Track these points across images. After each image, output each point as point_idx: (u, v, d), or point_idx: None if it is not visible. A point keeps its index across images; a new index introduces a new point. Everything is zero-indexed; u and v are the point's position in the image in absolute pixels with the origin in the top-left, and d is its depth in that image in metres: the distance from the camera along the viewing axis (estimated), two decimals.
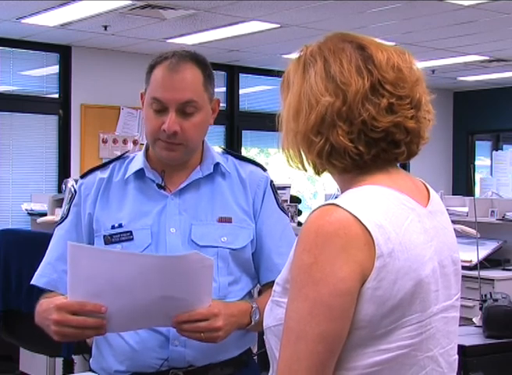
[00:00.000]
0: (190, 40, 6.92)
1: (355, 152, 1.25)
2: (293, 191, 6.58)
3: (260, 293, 1.97)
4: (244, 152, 8.74)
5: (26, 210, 6.63)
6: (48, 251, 1.93)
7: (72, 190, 1.96)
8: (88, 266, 1.58)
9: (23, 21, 6.23)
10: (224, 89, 8.46)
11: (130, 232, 1.84)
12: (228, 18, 6.11)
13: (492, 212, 5.65)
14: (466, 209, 5.71)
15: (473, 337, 3.05)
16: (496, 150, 9.97)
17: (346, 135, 1.24)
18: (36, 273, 1.91)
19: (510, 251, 5.48)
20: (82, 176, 1.95)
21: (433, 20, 6.15)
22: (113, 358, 1.84)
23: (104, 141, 7.55)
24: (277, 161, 9.12)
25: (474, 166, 10.09)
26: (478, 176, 8.91)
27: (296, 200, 6.25)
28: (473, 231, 4.65)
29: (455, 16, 6.00)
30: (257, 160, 2.02)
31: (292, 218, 5.63)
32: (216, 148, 1.99)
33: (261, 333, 1.42)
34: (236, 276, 1.87)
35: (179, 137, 1.81)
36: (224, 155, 1.97)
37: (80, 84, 7.41)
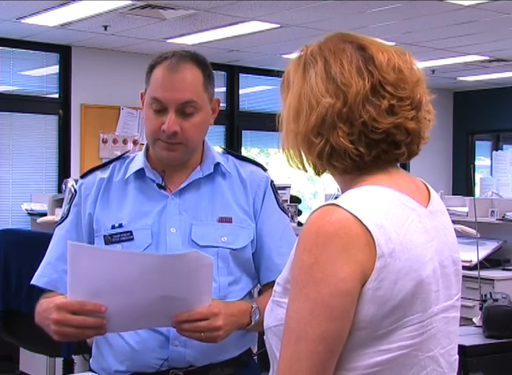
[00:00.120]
0: (190, 40, 6.92)
1: (355, 154, 1.25)
2: (293, 191, 6.58)
3: (260, 293, 1.97)
4: (244, 152, 8.74)
5: (26, 210, 6.63)
6: (48, 251, 1.93)
7: (73, 190, 1.96)
8: (88, 265, 1.58)
9: (23, 21, 6.23)
10: (224, 89, 8.46)
11: (130, 232, 1.84)
12: (228, 18, 6.11)
13: (492, 212, 5.65)
14: (466, 209, 5.71)
15: (473, 337, 3.05)
16: (496, 150, 9.97)
17: (347, 136, 1.24)
18: (36, 273, 1.90)
19: (510, 251, 5.48)
20: (82, 176, 1.95)
21: (433, 20, 6.15)
22: (113, 358, 1.84)
23: (104, 141, 7.55)
24: (277, 161, 9.12)
25: (474, 166, 10.09)
26: (478, 176, 8.91)
27: (296, 200, 6.25)
28: (473, 231, 4.65)
29: (455, 16, 6.00)
30: (258, 160, 2.02)
31: (292, 218, 5.63)
32: (217, 148, 1.99)
33: (261, 333, 1.42)
34: (237, 277, 1.87)
35: (179, 137, 1.80)
36: (224, 155, 1.97)
37: (80, 84, 7.41)
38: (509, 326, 3.02)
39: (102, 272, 1.59)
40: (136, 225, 1.84)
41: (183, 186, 1.87)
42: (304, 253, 1.18)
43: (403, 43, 6.73)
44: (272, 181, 1.96)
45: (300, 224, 5.74)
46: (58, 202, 5.37)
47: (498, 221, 5.58)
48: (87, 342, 1.95)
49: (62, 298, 1.66)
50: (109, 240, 1.84)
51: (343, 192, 1.30)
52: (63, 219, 1.94)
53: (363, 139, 1.24)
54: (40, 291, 1.87)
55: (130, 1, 5.59)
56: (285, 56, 7.40)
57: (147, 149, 1.93)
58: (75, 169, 7.29)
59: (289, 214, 5.10)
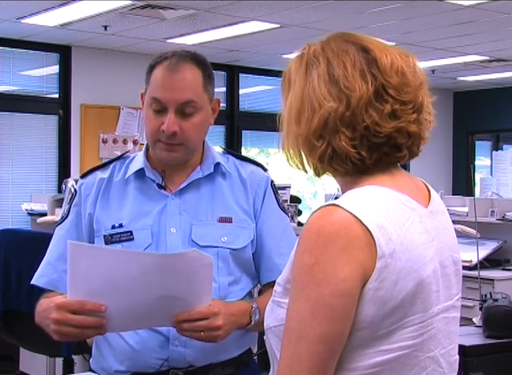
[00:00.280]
0: (190, 40, 6.92)
1: (357, 158, 1.24)
2: (293, 191, 6.58)
3: (260, 293, 1.97)
4: (244, 152, 8.74)
5: (26, 210, 6.63)
6: (48, 251, 1.92)
7: (73, 190, 1.96)
8: (88, 264, 1.58)
9: (23, 21, 6.23)
10: (224, 89, 8.46)
11: (130, 232, 1.84)
12: (228, 18, 6.11)
13: (492, 212, 5.65)
14: (466, 209, 5.70)
15: (473, 337, 3.05)
16: (496, 150, 9.97)
17: (349, 141, 1.23)
18: (36, 273, 1.90)
19: (510, 251, 5.48)
20: (82, 176, 1.95)
21: (433, 20, 6.15)
22: (113, 358, 1.84)
23: (104, 141, 7.55)
24: (277, 161, 9.12)
25: (474, 166, 10.09)
26: (478, 176, 8.91)
27: (296, 200, 6.25)
28: (473, 231, 4.65)
29: (455, 16, 6.00)
30: (258, 160, 2.01)
31: (292, 218, 5.63)
32: (217, 148, 1.99)
33: (261, 333, 1.42)
34: (237, 277, 1.87)
35: (179, 137, 1.80)
36: (225, 155, 1.97)
37: (80, 84, 7.41)
38: (509, 326, 3.02)
39: (102, 271, 1.59)
40: (136, 225, 1.84)
41: (183, 186, 1.87)
42: (305, 253, 1.18)
43: (403, 43, 6.73)
44: (272, 181, 1.96)
45: (300, 224, 5.74)
46: (58, 202, 5.37)
47: (498, 221, 5.58)
48: (87, 342, 1.95)
49: (62, 298, 1.66)
50: (109, 240, 1.84)
51: (343, 192, 1.30)
52: (63, 219, 1.94)
53: (365, 143, 1.24)
54: (40, 291, 1.87)
55: (130, 1, 5.59)
56: (285, 56, 7.40)
57: (147, 149, 1.93)
58: (75, 169, 7.29)
59: (289, 214, 5.10)
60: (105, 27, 6.44)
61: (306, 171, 1.33)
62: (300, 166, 1.32)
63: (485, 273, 4.73)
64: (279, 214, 1.93)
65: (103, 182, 1.90)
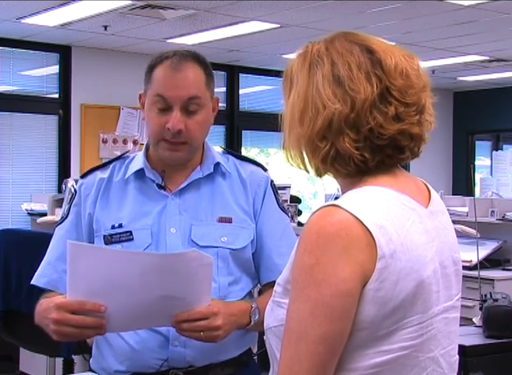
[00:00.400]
0: (190, 40, 6.92)
1: (360, 159, 1.24)
2: (293, 191, 6.58)
3: (260, 293, 1.96)
4: (244, 152, 8.73)
5: (26, 210, 6.63)
6: (48, 251, 1.92)
7: (73, 190, 1.96)
8: (87, 264, 1.58)
9: (23, 21, 6.23)
10: (224, 89, 8.45)
11: (130, 232, 1.84)
12: (228, 18, 6.11)
13: (492, 212, 5.65)
14: (466, 209, 5.70)
15: (473, 337, 3.05)
16: (496, 150, 9.97)
17: (353, 143, 1.23)
18: (36, 273, 1.90)
19: (510, 251, 5.48)
20: (82, 176, 1.95)
21: (433, 20, 6.15)
22: (113, 358, 1.84)
23: (104, 141, 7.55)
24: (277, 161, 9.12)
25: (474, 166, 10.09)
26: (478, 176, 8.91)
27: (296, 200, 6.25)
28: (473, 231, 4.64)
29: (455, 16, 6.00)
30: (258, 160, 2.01)
31: (292, 218, 5.63)
32: (217, 148, 1.99)
33: (261, 333, 1.42)
34: (237, 277, 1.87)
35: (184, 135, 1.80)
36: (224, 154, 1.97)
37: (80, 84, 7.41)
38: (509, 326, 3.02)
39: (102, 271, 1.59)
40: (136, 225, 1.84)
41: (182, 186, 1.87)
42: (305, 254, 1.17)
43: (403, 43, 6.72)
44: (272, 181, 1.96)
45: (300, 224, 5.74)
46: (58, 202, 5.37)
47: (498, 221, 5.58)
48: (87, 342, 1.95)
49: (62, 298, 1.66)
50: (109, 240, 1.84)
51: (343, 193, 1.30)
52: (63, 219, 1.94)
53: (368, 145, 1.23)
54: (40, 291, 1.87)
55: (130, 1, 5.59)
56: (285, 56, 7.40)
57: (146, 149, 1.93)
58: (75, 169, 7.29)
59: (289, 214, 5.10)
60: (105, 27, 6.44)
61: (308, 171, 1.32)
62: (301, 166, 1.32)
63: (485, 273, 4.73)
64: (279, 214, 1.93)
65: (103, 182, 1.90)
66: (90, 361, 1.93)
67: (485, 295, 3.17)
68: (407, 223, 1.22)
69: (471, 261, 4.87)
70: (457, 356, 1.33)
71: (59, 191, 6.42)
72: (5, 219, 7.04)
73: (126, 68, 7.52)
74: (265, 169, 1.98)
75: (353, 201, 1.21)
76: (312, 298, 1.15)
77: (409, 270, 1.19)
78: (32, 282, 1.90)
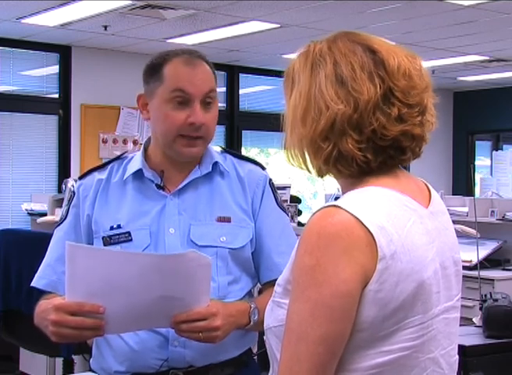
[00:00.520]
0: (190, 40, 6.92)
1: (363, 160, 1.24)
2: (293, 191, 6.58)
3: (260, 292, 1.96)
4: (244, 152, 8.73)
5: (26, 210, 6.63)
6: (47, 253, 1.92)
7: (72, 191, 1.96)
8: (86, 265, 1.58)
9: (23, 21, 6.23)
10: (224, 89, 8.45)
11: (129, 233, 1.83)
12: (228, 18, 6.11)
13: (492, 212, 5.64)
14: (466, 209, 5.70)
15: (473, 337, 3.05)
16: (496, 150, 9.97)
17: (356, 143, 1.22)
18: (36, 275, 1.90)
19: (510, 251, 5.48)
20: (80, 178, 1.95)
21: (433, 20, 6.15)
22: (113, 358, 1.83)
23: (104, 141, 7.55)
24: (277, 161, 9.12)
25: (474, 166, 10.09)
26: (478, 176, 8.90)
27: (296, 200, 6.25)
28: (473, 231, 4.64)
29: (455, 16, 6.00)
30: (257, 160, 2.01)
31: (292, 218, 5.63)
32: (215, 148, 1.99)
33: (261, 334, 1.42)
34: (236, 276, 1.86)
35: (203, 130, 1.82)
36: (222, 154, 1.96)
37: (80, 84, 7.41)
38: (509, 326, 3.02)
39: (100, 272, 1.58)
40: (134, 226, 1.84)
41: (181, 186, 1.87)
42: (306, 255, 1.17)
43: (403, 43, 6.66)
44: (270, 180, 1.95)
45: (300, 224, 5.74)
46: (58, 202, 5.37)
47: (498, 221, 5.58)
48: (87, 342, 1.95)
49: (61, 299, 1.66)
50: (108, 241, 1.84)
51: (344, 193, 1.29)
52: (62, 220, 1.93)
53: (370, 146, 1.23)
54: (39, 292, 1.87)
55: (130, 1, 5.59)
56: (285, 56, 7.40)
57: (145, 149, 1.92)
58: (75, 169, 7.29)
59: (289, 214, 5.10)
60: (105, 27, 6.44)
61: (309, 171, 1.32)
62: (303, 166, 1.31)
63: (485, 273, 4.73)
64: (278, 213, 1.93)
65: (101, 183, 1.90)
66: (90, 361, 1.93)
67: (485, 295, 3.17)
68: (408, 223, 1.22)
69: (471, 261, 4.86)
70: (457, 356, 1.33)
71: (59, 191, 6.42)
72: (5, 219, 7.04)
73: (126, 68, 7.51)
74: (264, 168, 1.98)
75: (354, 201, 1.21)
76: (312, 299, 1.15)
77: (409, 271, 1.19)
78: (32, 284, 1.90)
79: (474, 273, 4.03)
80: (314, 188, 9.96)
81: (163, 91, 1.81)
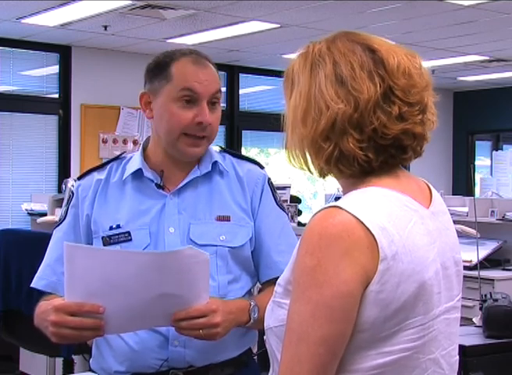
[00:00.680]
0: (190, 40, 6.92)
1: (364, 159, 1.23)
2: (293, 191, 6.58)
3: (260, 291, 1.96)
4: (244, 152, 8.73)
5: (26, 210, 6.63)
6: (46, 254, 1.92)
7: (71, 191, 1.96)
8: (85, 266, 1.58)
9: (23, 21, 6.23)
10: (224, 89, 8.45)
11: (128, 232, 1.83)
12: (228, 18, 6.11)
13: (492, 212, 5.64)
14: (466, 209, 5.70)
15: (473, 337, 3.05)
16: (496, 150, 9.97)
17: (357, 143, 1.22)
18: (35, 276, 1.90)
19: (510, 251, 5.48)
20: (79, 178, 1.94)
21: (433, 20, 6.15)
22: (113, 358, 1.83)
23: (104, 141, 7.55)
24: (277, 161, 9.12)
25: (474, 166, 10.08)
26: (478, 176, 8.90)
27: (296, 200, 6.25)
28: (473, 231, 4.64)
29: (455, 16, 6.00)
30: (257, 160, 2.01)
31: (292, 218, 5.63)
32: (214, 147, 1.99)
33: (261, 333, 1.42)
34: (236, 275, 1.86)
35: (208, 129, 1.82)
36: (221, 153, 1.97)
37: (80, 84, 7.41)
38: (509, 326, 3.02)
39: (99, 272, 1.58)
40: (134, 225, 1.84)
41: (181, 185, 1.87)
42: (307, 255, 1.17)
43: (403, 43, 6.58)
44: (269, 179, 1.95)
45: (300, 224, 5.74)
46: (58, 202, 5.37)
47: (498, 221, 5.58)
48: (87, 343, 1.95)
49: (60, 300, 1.66)
50: (107, 241, 1.83)
51: (345, 193, 1.29)
52: (61, 220, 1.93)
53: (372, 145, 1.23)
54: (40, 293, 1.87)
55: (130, 1, 5.59)
56: (285, 56, 7.40)
57: (144, 149, 1.92)
58: (75, 169, 7.29)
59: (289, 214, 5.10)
60: (105, 27, 6.44)
61: (311, 172, 1.31)
62: (304, 166, 1.31)
63: (485, 273, 4.73)
64: (277, 212, 1.93)
65: (100, 183, 1.90)
66: (90, 361, 1.93)
67: (485, 295, 3.17)
68: (409, 224, 1.22)
69: (471, 261, 4.86)
70: (458, 356, 1.33)
71: (59, 191, 6.42)
72: (5, 219, 7.04)
73: (126, 68, 7.51)
74: (262, 167, 1.98)
75: (355, 202, 1.20)
76: (313, 300, 1.15)
77: (411, 272, 1.18)
78: (31, 285, 1.90)
79: (474, 273, 4.03)
80: (314, 188, 9.97)
81: (170, 89, 1.81)
